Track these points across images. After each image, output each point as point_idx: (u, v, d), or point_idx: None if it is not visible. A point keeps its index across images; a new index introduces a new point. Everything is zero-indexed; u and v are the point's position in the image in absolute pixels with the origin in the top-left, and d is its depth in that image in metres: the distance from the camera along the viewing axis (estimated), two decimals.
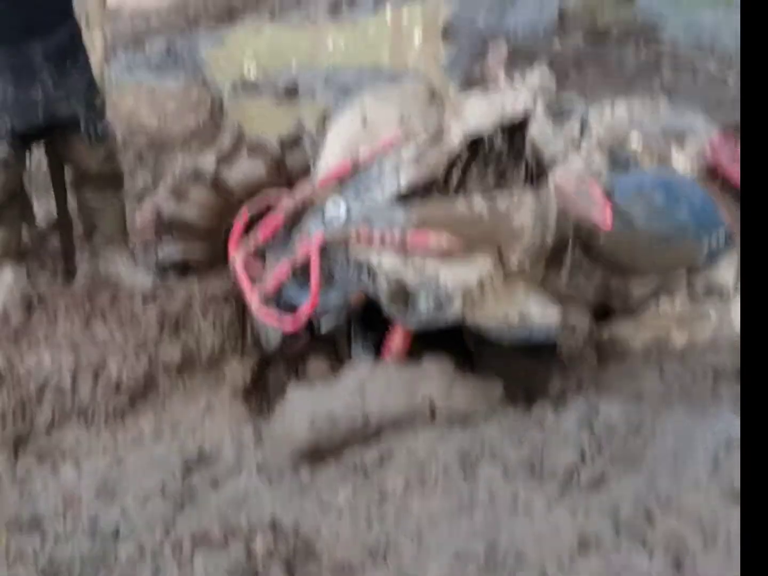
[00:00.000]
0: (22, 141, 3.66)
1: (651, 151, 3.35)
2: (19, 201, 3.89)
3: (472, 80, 7.03)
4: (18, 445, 3.13)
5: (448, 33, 9.12)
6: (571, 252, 3.30)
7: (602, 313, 3.23)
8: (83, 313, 3.66)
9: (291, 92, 7.35)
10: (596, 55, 7.19)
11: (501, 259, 3.24)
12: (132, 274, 4.00)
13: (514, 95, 3.25)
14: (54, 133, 3.76)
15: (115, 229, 4.10)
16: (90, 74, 3.81)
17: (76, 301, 3.73)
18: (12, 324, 3.54)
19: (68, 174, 4.03)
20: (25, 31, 3.44)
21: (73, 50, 3.66)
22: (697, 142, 3.38)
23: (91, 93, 3.79)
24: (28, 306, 3.67)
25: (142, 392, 3.40)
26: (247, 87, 7.72)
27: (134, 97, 6.55)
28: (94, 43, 6.36)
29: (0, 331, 3.47)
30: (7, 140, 3.55)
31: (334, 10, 10.42)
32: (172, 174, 4.32)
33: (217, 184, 3.85)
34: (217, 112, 6.80)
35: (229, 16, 10.31)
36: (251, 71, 8.61)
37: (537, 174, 3.38)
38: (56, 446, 3.17)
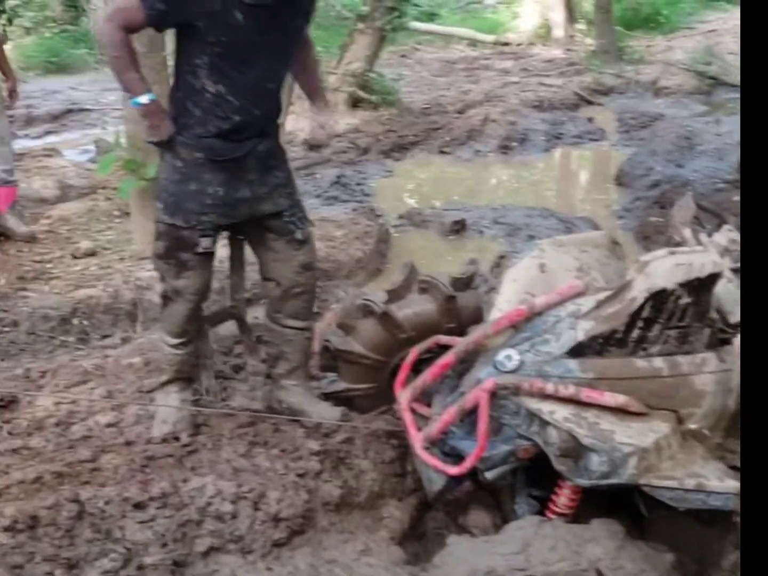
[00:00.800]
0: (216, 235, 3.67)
1: None
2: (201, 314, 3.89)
3: (647, 229, 6.96)
4: (176, 569, 3.12)
5: (621, 179, 9.06)
6: None
7: None
8: (246, 439, 3.68)
9: (458, 227, 7.41)
10: None
11: (679, 421, 3.15)
12: (312, 404, 3.93)
13: (701, 254, 3.17)
14: (251, 231, 3.77)
15: (302, 357, 3.98)
16: (290, 172, 3.82)
17: (239, 427, 3.76)
18: (179, 446, 3.57)
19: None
20: (256, 133, 3.53)
21: (277, 148, 3.72)
22: None
23: (293, 190, 3.77)
24: (196, 428, 3.71)
25: (300, 527, 3.35)
26: (414, 219, 7.83)
27: None
28: None
29: (167, 452, 3.51)
30: (210, 235, 3.58)
31: (505, 147, 10.56)
32: (341, 305, 4.35)
33: (386, 319, 3.84)
34: (383, 242, 6.90)
35: (399, 148, 10.56)
36: (419, 204, 8.74)
37: (722, 337, 3.28)
38: (212, 574, 3.16)
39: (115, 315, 5.02)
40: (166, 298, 3.66)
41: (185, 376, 3.84)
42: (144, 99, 3.45)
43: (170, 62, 5.98)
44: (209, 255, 3.62)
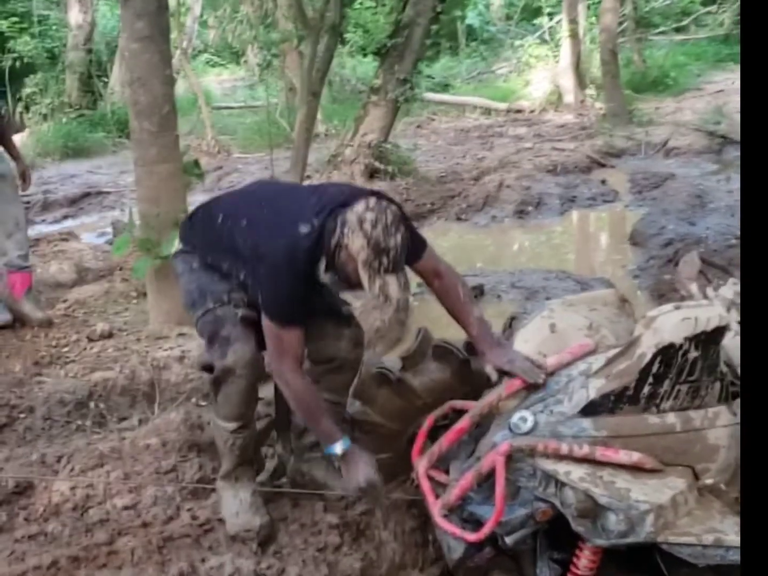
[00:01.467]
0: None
1: None
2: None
3: (662, 287, 6.97)
4: None
5: (635, 238, 9.09)
6: None
7: None
8: None
9: (476, 293, 7.41)
10: None
11: (695, 477, 3.12)
12: (336, 477, 3.80)
13: (707, 307, 3.17)
14: None
15: None
16: None
17: None
18: (196, 524, 3.56)
19: None
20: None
21: None
22: None
23: None
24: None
25: None
26: None
27: None
28: None
29: (185, 532, 3.49)
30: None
31: (520, 212, 10.63)
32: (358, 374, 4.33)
33: (401, 387, 3.84)
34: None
35: (417, 217, 10.64)
36: None
37: (732, 390, 3.26)
38: None
39: (132, 397, 5.02)
40: (218, 383, 3.53)
41: (248, 460, 3.74)
42: (338, 449, 3.40)
43: (182, 142, 6.14)
44: (251, 325, 3.50)
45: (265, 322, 3.34)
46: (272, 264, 3.27)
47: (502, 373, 3.43)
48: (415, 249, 3.42)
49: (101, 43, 20.67)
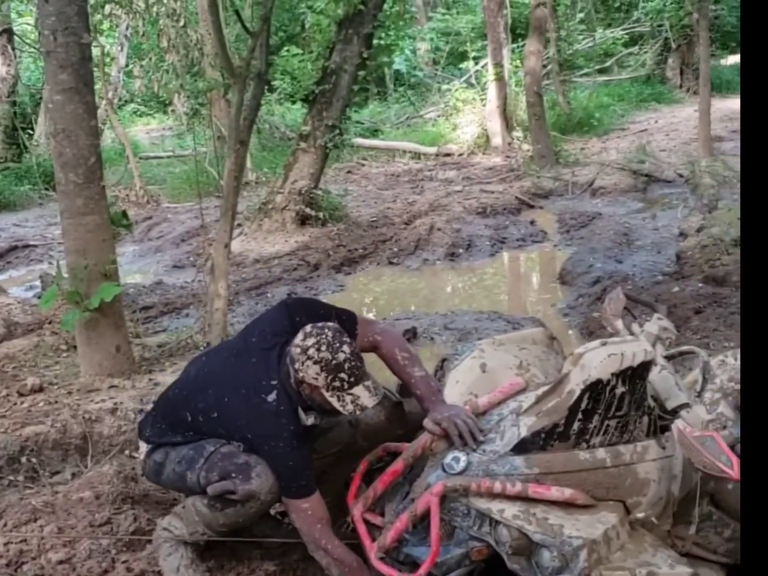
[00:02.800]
0: None
1: None
2: None
3: (591, 325, 7.07)
4: None
5: (564, 277, 9.22)
6: (699, 505, 3.19)
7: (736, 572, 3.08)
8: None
9: (409, 335, 7.45)
10: (716, 300, 7.10)
11: (627, 511, 3.16)
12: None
13: (633, 343, 3.22)
14: None
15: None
16: None
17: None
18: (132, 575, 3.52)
19: None
20: None
21: None
22: None
23: None
24: None
25: None
26: None
27: None
28: (219, 291, 6.66)
29: None
30: None
31: (452, 255, 10.72)
32: None
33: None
34: None
35: (349, 262, 10.69)
36: (372, 314, 8.82)
37: (660, 424, 3.32)
38: None
39: (65, 450, 4.94)
40: (229, 503, 3.42)
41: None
42: None
43: (110, 193, 6.10)
44: None
45: (287, 502, 3.37)
46: (268, 449, 3.31)
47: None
48: (347, 328, 3.48)
49: (25, 95, 20.54)
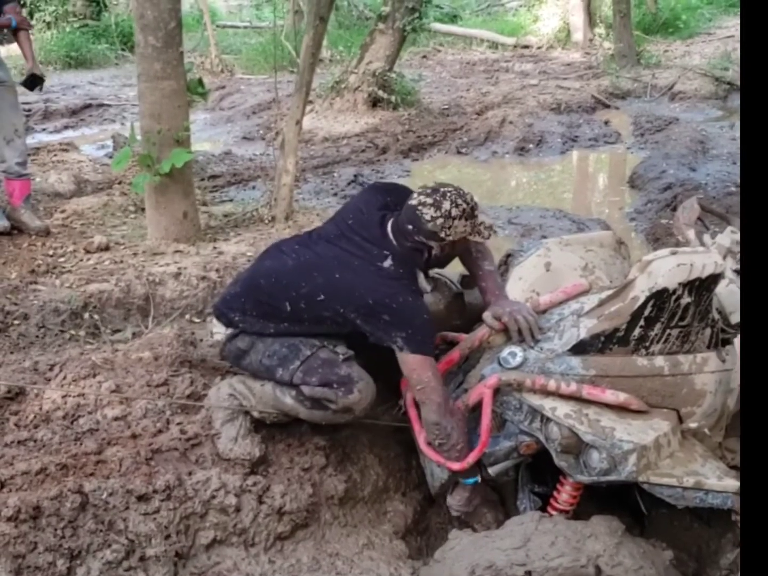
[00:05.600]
0: None
1: None
2: None
3: (658, 231, 6.98)
4: (178, 561, 3.15)
5: (635, 181, 9.07)
6: None
7: None
8: None
9: None
10: None
11: (679, 420, 3.17)
12: None
13: (703, 254, 3.18)
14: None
15: None
16: None
17: None
18: (184, 439, 3.58)
19: None
20: None
21: None
22: None
23: None
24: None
25: (304, 520, 3.38)
26: None
27: (320, 218, 6.74)
28: (287, 167, 6.66)
29: (173, 445, 3.53)
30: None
31: (522, 149, 10.59)
32: None
33: None
34: None
35: (417, 148, 10.61)
36: None
37: (723, 337, 3.29)
38: (214, 566, 3.19)
39: (127, 310, 5.05)
40: (322, 407, 3.44)
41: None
42: (471, 481, 3.41)
43: (186, 59, 6.09)
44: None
45: (420, 360, 3.28)
46: (397, 306, 3.27)
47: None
48: None
49: None
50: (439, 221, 3.27)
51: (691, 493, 2.96)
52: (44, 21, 17.17)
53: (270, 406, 3.55)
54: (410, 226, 3.31)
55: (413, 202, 3.32)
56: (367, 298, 3.29)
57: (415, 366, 3.27)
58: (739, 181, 8.25)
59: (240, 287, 3.62)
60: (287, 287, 3.45)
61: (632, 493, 3.21)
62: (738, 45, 16.05)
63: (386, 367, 3.62)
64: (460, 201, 3.30)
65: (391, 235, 3.40)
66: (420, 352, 3.26)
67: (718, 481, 2.96)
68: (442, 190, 3.33)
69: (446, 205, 3.27)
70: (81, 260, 5.57)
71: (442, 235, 3.30)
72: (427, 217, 3.27)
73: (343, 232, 3.49)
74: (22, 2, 9.73)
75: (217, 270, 5.36)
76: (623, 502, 3.35)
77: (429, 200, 3.29)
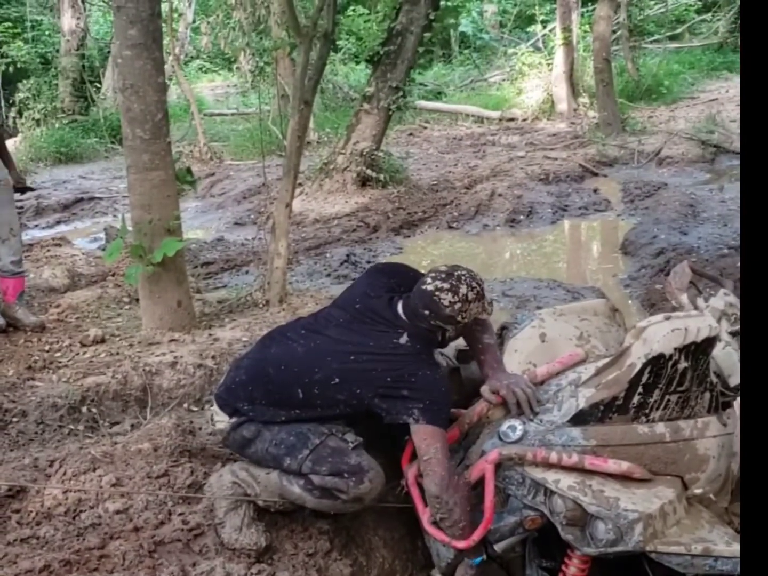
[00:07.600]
0: None
1: None
2: None
3: (653, 296, 6.99)
4: None
5: (627, 248, 9.11)
6: None
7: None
8: None
9: None
10: None
11: (684, 487, 3.14)
12: None
13: (697, 318, 3.18)
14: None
15: None
16: None
17: None
18: (187, 529, 3.55)
19: None
20: None
21: None
22: None
23: None
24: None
25: None
26: None
27: (314, 299, 6.76)
28: (279, 250, 6.69)
29: (176, 536, 3.49)
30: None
31: (512, 221, 10.66)
32: None
33: None
34: None
35: (408, 225, 10.68)
36: None
37: (722, 400, 3.28)
38: None
39: (125, 401, 5.02)
40: (332, 497, 3.42)
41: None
42: (478, 560, 3.36)
43: (174, 148, 6.15)
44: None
45: (424, 430, 3.27)
46: (416, 380, 3.29)
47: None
48: None
49: (94, 48, 20.70)
50: (458, 306, 3.33)
51: (700, 560, 2.92)
52: (33, 119, 17.36)
53: (276, 495, 3.52)
54: (427, 312, 3.35)
55: (429, 288, 3.35)
56: (386, 377, 3.31)
57: (426, 436, 3.26)
58: (731, 243, 8.31)
59: (246, 375, 3.60)
60: (300, 374, 3.45)
61: (641, 563, 3.17)
62: (722, 108, 16.33)
63: (387, 446, 3.61)
64: (474, 284, 3.38)
65: (403, 317, 3.44)
66: (434, 423, 3.26)
67: (727, 547, 2.93)
68: (456, 273, 3.39)
69: (463, 289, 3.34)
70: (77, 354, 5.56)
71: (459, 318, 3.36)
72: (446, 303, 3.31)
73: (354, 316, 3.51)
74: (11, 101, 9.86)
75: (214, 357, 5.35)
76: (632, 573, 3.31)
77: (446, 285, 3.34)
